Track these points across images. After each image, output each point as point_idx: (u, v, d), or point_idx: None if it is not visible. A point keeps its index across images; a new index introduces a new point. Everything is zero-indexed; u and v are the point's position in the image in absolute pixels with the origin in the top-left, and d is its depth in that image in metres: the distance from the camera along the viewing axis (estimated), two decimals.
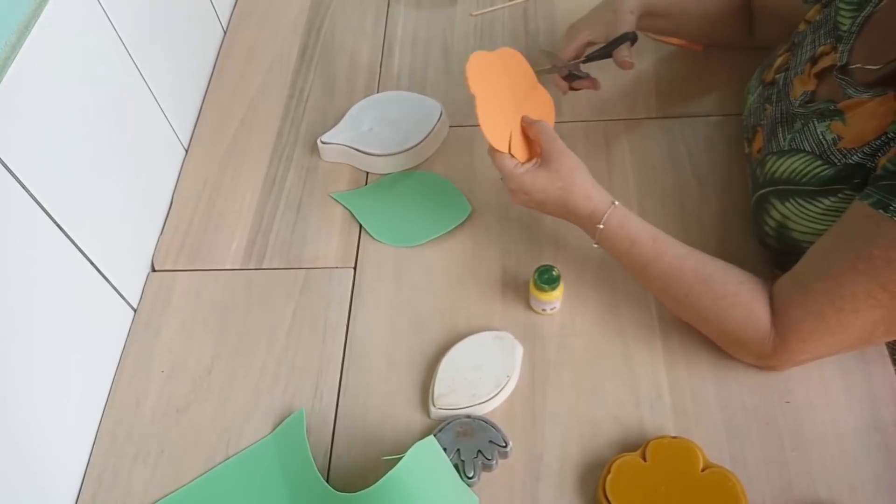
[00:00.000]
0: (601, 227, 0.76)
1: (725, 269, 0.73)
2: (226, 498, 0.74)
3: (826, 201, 0.70)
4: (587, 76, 0.93)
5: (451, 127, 1.03)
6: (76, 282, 0.78)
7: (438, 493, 0.69)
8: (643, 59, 1.07)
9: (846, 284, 0.64)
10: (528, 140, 0.83)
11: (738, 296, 0.71)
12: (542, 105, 0.89)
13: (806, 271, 0.69)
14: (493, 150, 0.80)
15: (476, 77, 0.78)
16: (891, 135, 0.65)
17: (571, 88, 0.94)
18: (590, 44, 0.92)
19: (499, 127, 0.80)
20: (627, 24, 0.89)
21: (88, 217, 0.79)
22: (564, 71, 0.91)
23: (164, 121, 0.98)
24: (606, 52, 0.91)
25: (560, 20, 1.15)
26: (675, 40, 1.08)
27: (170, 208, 0.98)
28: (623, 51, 0.89)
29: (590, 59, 0.92)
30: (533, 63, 0.88)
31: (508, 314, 0.84)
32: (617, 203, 0.76)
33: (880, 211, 0.61)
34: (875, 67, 0.68)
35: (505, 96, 0.82)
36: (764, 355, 0.72)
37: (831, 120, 0.71)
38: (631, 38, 0.89)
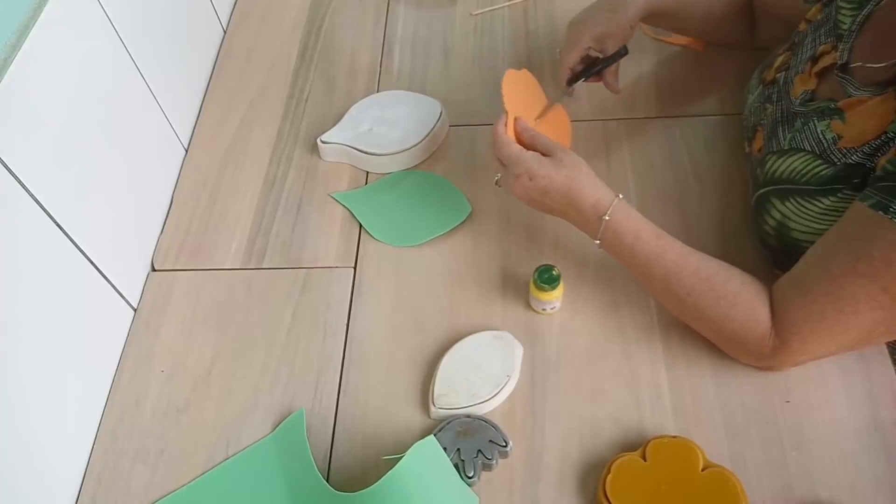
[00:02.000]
0: (607, 218, 0.75)
1: (727, 269, 0.73)
2: (226, 498, 0.74)
3: (826, 201, 0.70)
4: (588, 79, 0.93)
5: (451, 127, 1.03)
6: (76, 282, 0.78)
7: (438, 493, 0.69)
8: (643, 59, 1.07)
9: (846, 286, 0.64)
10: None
11: (740, 295, 0.71)
12: (558, 125, 0.91)
13: (806, 272, 0.69)
14: (496, 138, 0.80)
15: (509, 87, 0.85)
16: (890, 134, 0.65)
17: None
18: (590, 48, 0.92)
19: (513, 108, 0.83)
20: (623, 39, 0.91)
21: (88, 217, 0.79)
22: (567, 91, 0.93)
23: (164, 121, 0.98)
24: (598, 72, 0.93)
25: (560, 20, 1.15)
26: (675, 40, 1.08)
27: (170, 208, 0.98)
28: (611, 75, 0.92)
29: (576, 78, 0.92)
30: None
31: (508, 314, 0.84)
32: (621, 196, 0.76)
33: (880, 212, 0.61)
34: (877, 66, 0.68)
35: (526, 104, 0.87)
36: (763, 356, 0.72)
37: (831, 119, 0.71)
38: (622, 53, 0.91)
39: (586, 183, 0.76)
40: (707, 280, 0.72)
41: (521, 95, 0.86)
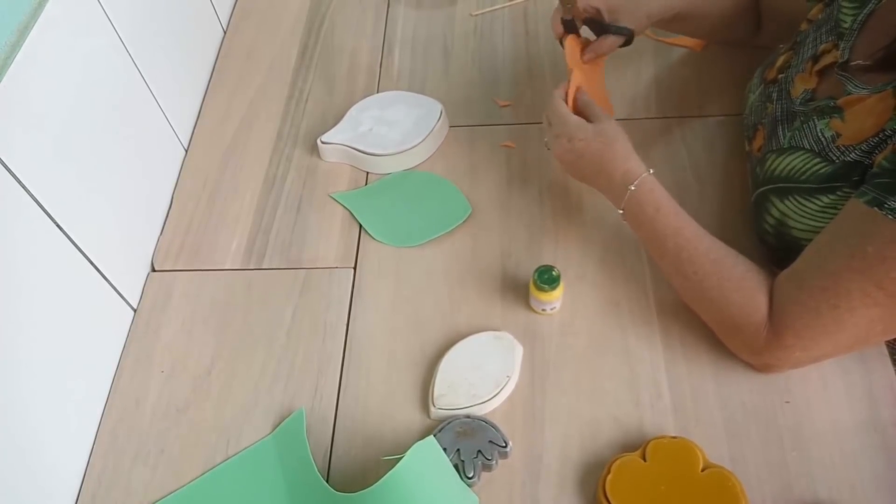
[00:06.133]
0: (633, 188, 0.77)
1: (736, 255, 0.74)
2: (226, 498, 0.74)
3: (825, 199, 0.70)
4: (579, 36, 0.91)
5: (451, 127, 1.03)
6: (76, 282, 0.78)
7: (438, 493, 0.69)
8: (643, 59, 1.07)
9: (841, 282, 0.64)
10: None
11: (743, 281, 0.72)
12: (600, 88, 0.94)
13: (803, 268, 0.69)
14: (551, 98, 0.84)
15: (572, 51, 0.90)
16: (888, 132, 0.65)
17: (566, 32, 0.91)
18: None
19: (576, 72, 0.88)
20: (637, 24, 0.89)
21: (88, 217, 0.79)
22: (569, 15, 0.88)
23: (164, 121, 0.99)
24: (599, 31, 0.90)
25: None
26: (675, 41, 1.08)
27: (170, 208, 0.98)
28: (606, 46, 0.89)
29: (570, 27, 0.90)
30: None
31: (508, 314, 0.84)
32: (651, 171, 0.78)
33: (875, 209, 0.62)
34: (866, 63, 0.68)
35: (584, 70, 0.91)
36: (758, 348, 0.72)
37: (831, 117, 0.71)
38: (626, 34, 0.88)
39: (619, 153, 0.79)
40: (715, 262, 0.74)
41: (579, 62, 0.90)
